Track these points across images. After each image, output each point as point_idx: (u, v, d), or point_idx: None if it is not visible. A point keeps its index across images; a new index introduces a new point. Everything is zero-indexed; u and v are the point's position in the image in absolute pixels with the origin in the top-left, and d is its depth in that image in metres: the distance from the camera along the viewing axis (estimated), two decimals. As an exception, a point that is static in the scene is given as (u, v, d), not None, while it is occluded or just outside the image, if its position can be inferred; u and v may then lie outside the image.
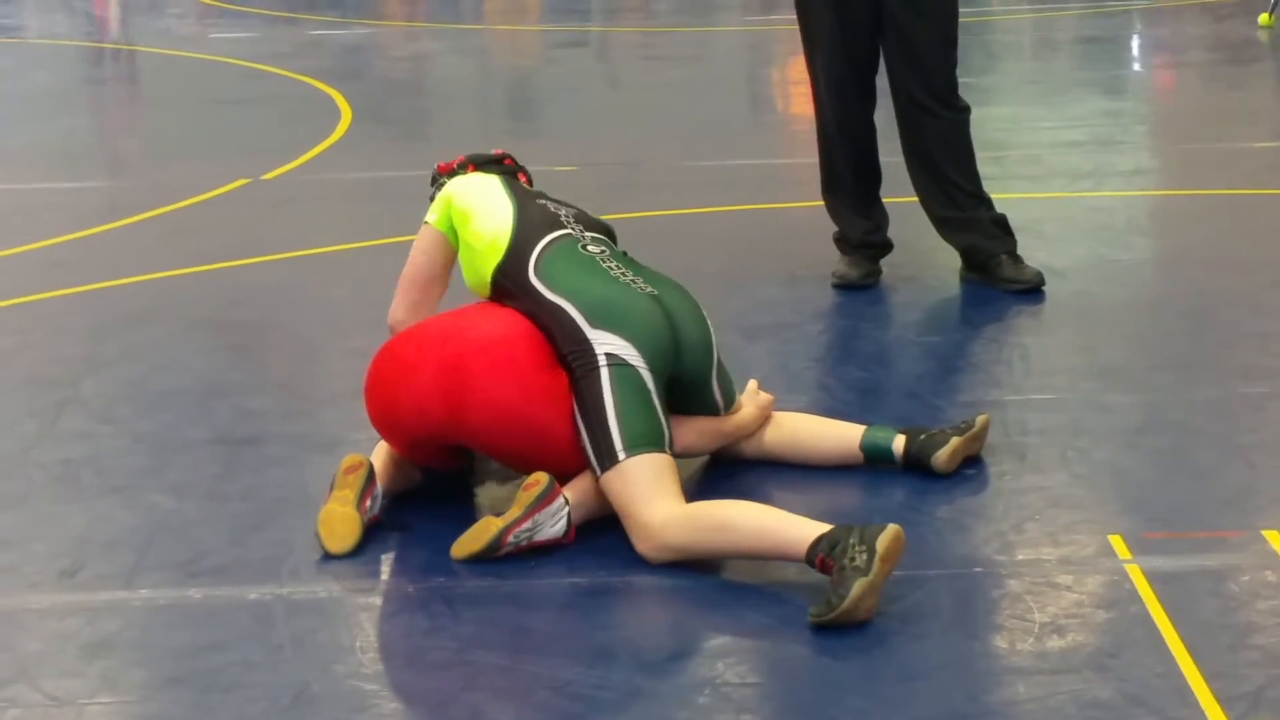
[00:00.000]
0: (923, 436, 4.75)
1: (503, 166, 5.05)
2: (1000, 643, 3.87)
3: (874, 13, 6.25)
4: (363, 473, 4.47)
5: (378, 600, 4.21)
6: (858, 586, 3.89)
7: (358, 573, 4.31)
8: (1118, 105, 10.23)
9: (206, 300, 6.63)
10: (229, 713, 3.68)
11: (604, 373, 4.41)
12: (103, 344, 6.10)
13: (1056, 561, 4.19)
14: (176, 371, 5.81)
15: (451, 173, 5.04)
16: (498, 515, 4.36)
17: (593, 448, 4.39)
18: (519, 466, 4.58)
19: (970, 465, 4.79)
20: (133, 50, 13.54)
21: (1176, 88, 11.03)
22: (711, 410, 4.71)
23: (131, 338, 6.16)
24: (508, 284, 4.66)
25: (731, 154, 8.85)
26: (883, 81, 6.38)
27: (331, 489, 4.49)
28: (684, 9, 15.66)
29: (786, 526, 4.12)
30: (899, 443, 4.76)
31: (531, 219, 4.74)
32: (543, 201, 4.85)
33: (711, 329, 4.64)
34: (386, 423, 4.60)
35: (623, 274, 4.61)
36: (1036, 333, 6.03)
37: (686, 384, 4.59)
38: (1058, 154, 8.62)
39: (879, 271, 6.52)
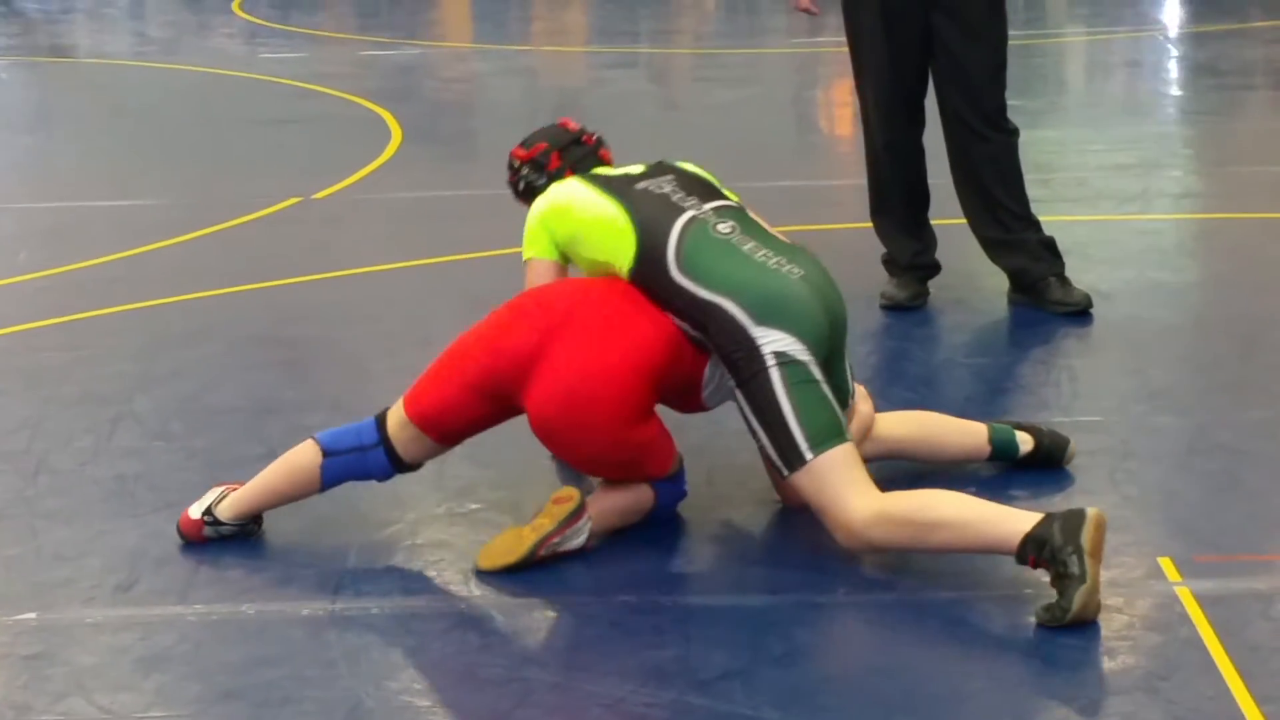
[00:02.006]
0: (1046, 439, 4.89)
1: (585, 146, 4.91)
2: (1050, 664, 3.87)
3: (923, 36, 6.27)
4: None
5: (430, 617, 4.22)
6: (1079, 598, 3.97)
7: (410, 589, 4.34)
8: (1165, 129, 10.21)
9: (258, 318, 6.68)
10: (283, 727, 3.72)
11: (774, 373, 4.33)
12: (156, 361, 6.15)
13: (1106, 584, 4.18)
14: (229, 388, 5.86)
15: (533, 162, 4.88)
16: (527, 526, 4.41)
17: (775, 448, 4.34)
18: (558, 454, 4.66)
19: (1020, 488, 4.80)
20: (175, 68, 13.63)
21: (1224, 111, 11.01)
22: (842, 386, 4.55)
23: (184, 354, 6.21)
24: (649, 285, 4.52)
25: (779, 175, 8.86)
26: (932, 104, 6.40)
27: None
28: (732, 31, 15.68)
29: (992, 523, 4.17)
30: (1026, 441, 4.87)
31: (645, 211, 4.57)
32: (643, 185, 4.66)
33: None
34: (466, 343, 4.56)
35: (766, 256, 4.47)
36: (1085, 355, 6.03)
37: (827, 358, 4.48)
38: (1105, 177, 8.60)
39: (927, 293, 6.53)
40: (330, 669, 3.93)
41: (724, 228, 4.53)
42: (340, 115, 11.23)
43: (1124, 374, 5.77)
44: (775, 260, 4.47)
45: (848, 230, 7.41)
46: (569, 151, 4.89)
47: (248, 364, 6.13)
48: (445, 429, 4.55)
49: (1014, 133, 6.39)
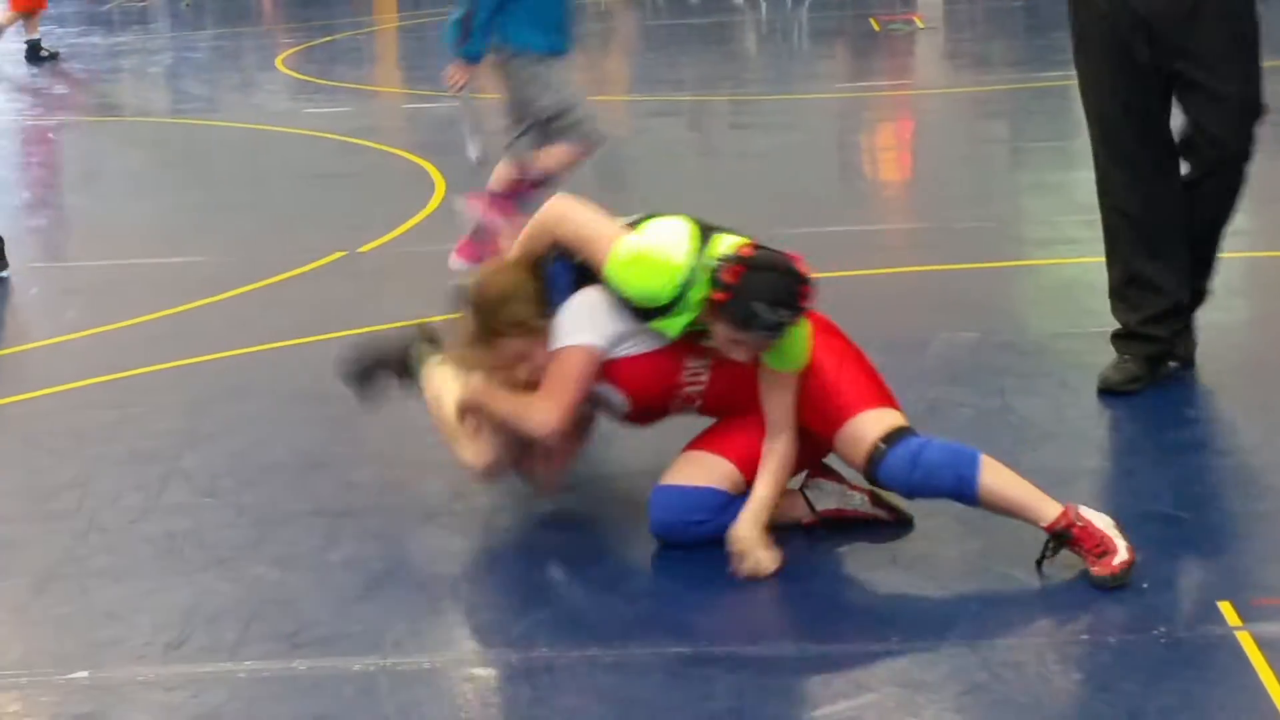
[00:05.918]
0: None
1: None
2: (1110, 710, 3.83)
3: (1164, 88, 5.86)
4: None
5: (482, 671, 4.21)
6: None
7: (461, 643, 4.32)
8: (1212, 167, 10.12)
9: (305, 373, 6.67)
10: (336, 784, 3.70)
11: None
12: (204, 417, 6.15)
13: (1165, 627, 4.15)
14: (277, 444, 5.85)
15: None
16: None
17: None
18: None
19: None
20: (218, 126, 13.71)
21: (1272, 148, 10.93)
22: None
23: (232, 411, 6.21)
24: None
25: (825, 221, 8.83)
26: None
27: None
28: (775, 77, 15.69)
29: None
30: None
31: None
32: None
33: None
34: None
35: None
36: (1138, 398, 5.96)
37: None
38: (1153, 217, 8.53)
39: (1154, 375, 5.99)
40: (382, 725, 3.92)
41: None
42: (384, 169, 11.27)
43: (1179, 416, 5.72)
44: None
45: (896, 275, 7.39)
46: None
47: (295, 420, 6.13)
48: None
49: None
